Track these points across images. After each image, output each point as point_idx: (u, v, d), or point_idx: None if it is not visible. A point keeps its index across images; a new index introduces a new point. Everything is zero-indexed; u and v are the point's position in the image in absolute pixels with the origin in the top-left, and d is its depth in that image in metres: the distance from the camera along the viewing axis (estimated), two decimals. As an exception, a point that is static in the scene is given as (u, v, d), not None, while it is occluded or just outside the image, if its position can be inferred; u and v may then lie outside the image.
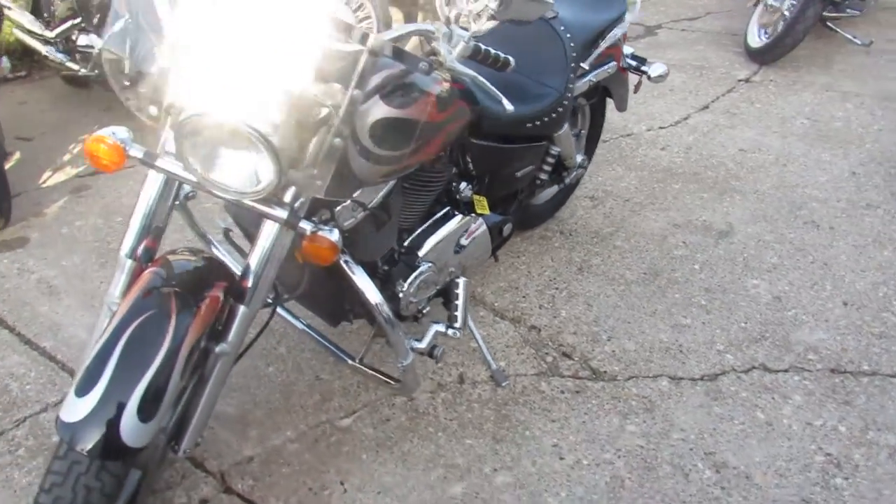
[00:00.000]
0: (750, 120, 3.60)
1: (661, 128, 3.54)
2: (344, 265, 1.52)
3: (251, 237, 1.63)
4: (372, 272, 1.73)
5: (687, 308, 2.30)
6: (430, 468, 1.78)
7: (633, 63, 2.52)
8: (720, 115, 3.66)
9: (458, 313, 1.65)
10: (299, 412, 1.94)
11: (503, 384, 2.00)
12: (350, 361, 1.79)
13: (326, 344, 1.85)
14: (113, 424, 1.17)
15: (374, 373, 1.77)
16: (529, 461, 1.79)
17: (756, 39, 4.25)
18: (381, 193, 1.68)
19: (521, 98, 1.94)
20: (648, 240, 2.65)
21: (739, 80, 4.09)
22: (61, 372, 2.08)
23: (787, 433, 1.85)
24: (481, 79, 1.49)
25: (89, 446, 1.16)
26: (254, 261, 1.38)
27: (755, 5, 4.39)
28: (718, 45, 4.60)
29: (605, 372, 2.06)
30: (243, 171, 1.25)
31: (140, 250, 1.41)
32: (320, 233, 1.33)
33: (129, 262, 1.41)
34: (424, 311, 1.87)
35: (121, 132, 1.32)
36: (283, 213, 1.32)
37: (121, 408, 1.17)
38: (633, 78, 2.54)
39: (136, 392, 1.18)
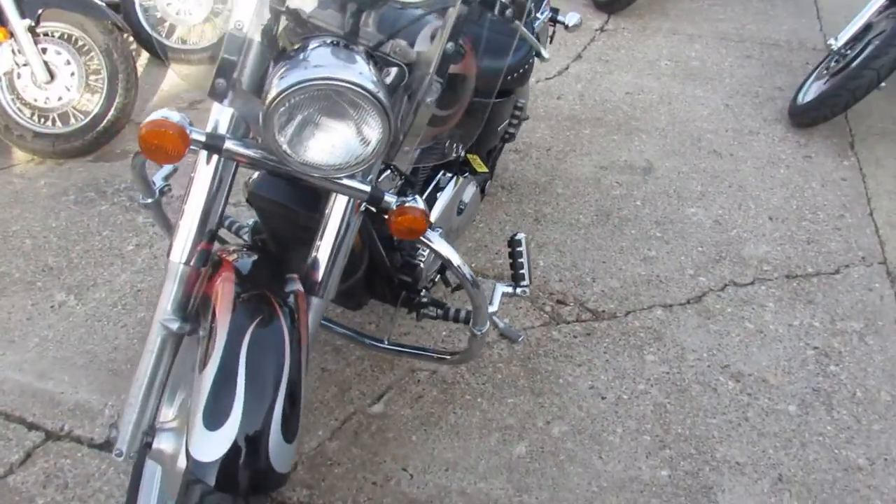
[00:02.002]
0: (623, 65, 3.84)
1: (547, 79, 3.66)
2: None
3: (280, 234, 1.45)
4: (390, 245, 1.63)
5: (647, 241, 2.44)
6: (485, 434, 1.74)
7: (549, 13, 2.57)
8: (595, 63, 3.86)
9: (525, 270, 1.60)
10: (322, 409, 1.79)
11: (518, 340, 1.99)
12: (382, 345, 1.69)
13: (347, 332, 1.72)
14: (260, 453, 1.00)
15: (421, 352, 1.68)
16: (575, 407, 1.82)
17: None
18: (411, 159, 1.58)
19: (504, 50, 1.91)
20: (585, 184, 2.76)
21: (596, 30, 4.34)
22: (10, 424, 1.73)
23: (777, 336, 2.05)
24: (523, 29, 1.44)
25: (241, 483, 0.98)
26: (324, 248, 1.25)
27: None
28: (567, 1, 4.83)
29: (604, 311, 2.13)
30: (337, 145, 1.10)
31: (195, 254, 1.19)
32: (408, 203, 1.22)
33: (181, 269, 1.18)
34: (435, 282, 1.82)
35: (175, 114, 1.10)
36: (366, 188, 1.19)
37: (265, 433, 1.01)
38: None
39: (276, 412, 1.02)
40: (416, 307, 1.69)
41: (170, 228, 1.71)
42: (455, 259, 1.41)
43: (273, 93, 1.01)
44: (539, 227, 2.50)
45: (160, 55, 3.49)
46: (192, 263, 1.18)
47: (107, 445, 1.69)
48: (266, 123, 1.03)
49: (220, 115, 1.17)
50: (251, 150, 1.14)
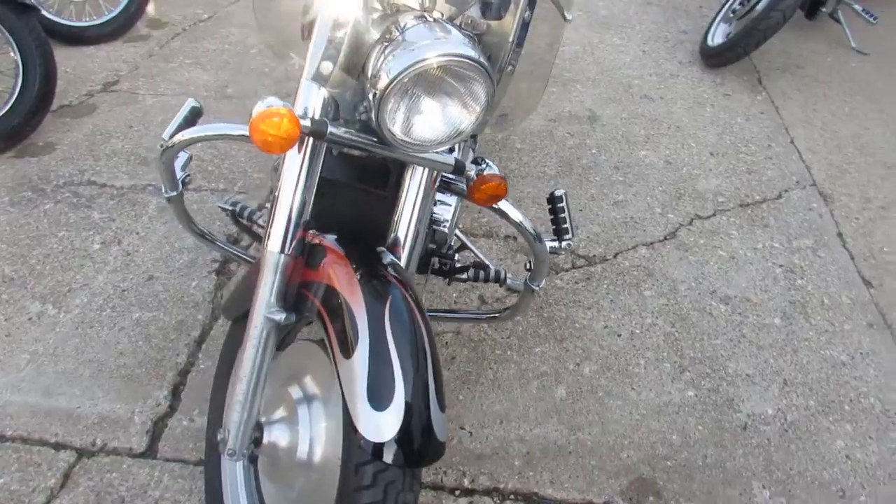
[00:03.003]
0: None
1: (471, 36, 3.71)
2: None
3: (348, 214, 1.44)
4: None
5: (612, 186, 2.59)
6: (524, 384, 1.83)
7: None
8: (512, 18, 3.95)
9: (567, 224, 1.67)
10: (360, 382, 1.80)
11: (519, 289, 2.08)
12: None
13: None
14: (427, 426, 1.03)
15: (467, 315, 1.73)
16: (597, 346, 1.94)
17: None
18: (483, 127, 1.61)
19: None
20: (540, 137, 2.86)
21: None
22: (32, 447, 1.61)
23: (747, 260, 2.28)
24: None
25: (416, 456, 1.01)
26: (404, 221, 1.27)
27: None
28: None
29: (594, 256, 2.27)
30: (439, 119, 1.12)
31: (293, 243, 1.17)
32: (487, 171, 1.27)
33: (282, 259, 1.16)
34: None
35: (278, 100, 1.06)
36: (450, 160, 1.22)
37: (427, 406, 1.03)
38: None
39: (430, 383, 1.05)
40: (451, 272, 1.73)
41: (190, 222, 1.63)
42: (525, 221, 1.46)
43: (387, 77, 1.00)
44: (511, 183, 2.57)
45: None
46: (290, 252, 1.16)
47: (150, 452, 1.62)
48: (381, 107, 1.03)
49: (312, 98, 1.13)
50: (352, 133, 1.12)
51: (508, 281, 1.74)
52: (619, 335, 1.98)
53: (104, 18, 3.42)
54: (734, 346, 1.97)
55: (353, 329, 1.05)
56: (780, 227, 2.42)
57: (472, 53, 1.03)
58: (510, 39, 1.20)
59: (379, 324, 1.06)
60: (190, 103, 1.48)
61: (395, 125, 1.07)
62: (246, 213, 1.67)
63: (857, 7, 3.54)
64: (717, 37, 3.48)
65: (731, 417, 1.77)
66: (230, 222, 1.73)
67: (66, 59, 3.20)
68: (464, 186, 1.31)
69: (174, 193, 1.54)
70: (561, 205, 1.69)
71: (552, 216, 1.69)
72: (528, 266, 1.59)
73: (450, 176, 1.31)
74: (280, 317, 1.16)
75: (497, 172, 1.26)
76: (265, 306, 1.16)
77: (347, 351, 1.05)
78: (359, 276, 1.12)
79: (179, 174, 1.55)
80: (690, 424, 1.74)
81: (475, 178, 1.24)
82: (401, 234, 1.28)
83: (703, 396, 1.82)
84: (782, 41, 3.64)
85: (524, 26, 1.17)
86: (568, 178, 2.62)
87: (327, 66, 1.07)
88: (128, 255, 2.17)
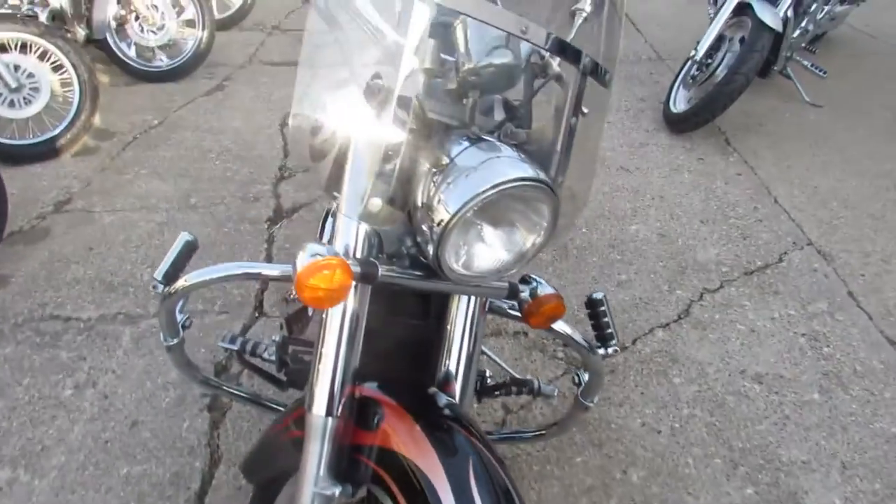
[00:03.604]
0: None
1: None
2: None
3: (391, 351, 1.28)
4: None
5: (612, 266, 2.50)
6: (573, 502, 1.66)
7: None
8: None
9: (612, 329, 1.54)
10: None
11: (555, 395, 1.93)
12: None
13: None
14: None
15: (515, 434, 1.58)
16: (640, 448, 1.80)
17: None
18: None
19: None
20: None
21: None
22: None
23: (768, 332, 2.19)
24: None
25: None
26: (454, 354, 1.14)
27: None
28: None
29: (612, 344, 2.14)
30: (500, 246, 1.00)
31: (342, 401, 1.00)
32: (542, 292, 1.15)
33: (329, 423, 0.98)
34: None
35: (322, 247, 0.91)
36: (505, 284, 1.10)
37: None
38: None
39: None
40: (484, 392, 1.57)
41: (194, 371, 1.44)
42: (576, 334, 1.33)
43: (447, 211, 0.88)
44: (508, 272, 2.46)
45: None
46: (339, 414, 0.99)
47: None
48: (441, 244, 0.90)
49: (353, 236, 0.99)
50: (403, 272, 0.99)
51: (545, 390, 1.60)
52: (660, 432, 1.84)
53: (50, 134, 3.23)
54: (780, 431, 1.85)
55: (435, 498, 0.89)
56: (790, 293, 2.36)
57: (532, 173, 0.91)
58: (557, 149, 1.09)
59: (466, 494, 0.89)
60: (183, 238, 1.32)
61: (457, 260, 0.94)
62: (253, 349, 1.49)
63: (806, 63, 3.65)
64: (679, 102, 3.52)
65: (799, 514, 1.64)
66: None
67: (11, 179, 2.98)
68: (515, 310, 1.19)
69: (175, 342, 1.36)
70: (602, 308, 1.56)
71: (593, 321, 1.56)
72: (575, 380, 1.46)
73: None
74: (334, 491, 0.98)
75: (552, 291, 1.15)
76: (314, 481, 0.98)
77: None
78: (425, 433, 0.96)
79: (179, 317, 1.37)
80: (759, 528, 1.60)
81: (530, 299, 1.12)
82: (452, 369, 1.13)
83: (763, 493, 1.68)
84: (740, 101, 3.71)
85: (571, 133, 1.07)
86: (565, 261, 2.52)
87: (376, 203, 0.93)
88: (105, 398, 1.93)
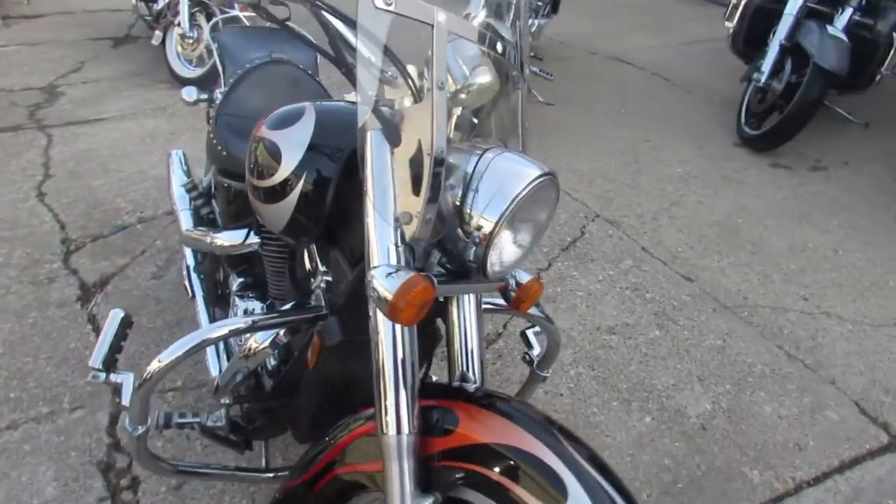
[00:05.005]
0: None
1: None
2: None
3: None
4: None
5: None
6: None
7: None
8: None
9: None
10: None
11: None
12: None
13: None
14: None
15: None
16: (551, 410, 2.01)
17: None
18: None
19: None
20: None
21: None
22: None
23: (601, 291, 2.58)
24: None
25: None
26: (469, 354, 1.24)
27: None
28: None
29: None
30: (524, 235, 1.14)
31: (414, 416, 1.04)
32: (524, 279, 1.31)
33: (407, 440, 1.01)
34: None
35: (403, 267, 0.96)
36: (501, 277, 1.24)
37: None
38: None
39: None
40: None
41: (156, 461, 1.29)
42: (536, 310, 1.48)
43: (489, 221, 0.99)
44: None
45: None
46: (415, 430, 1.03)
47: None
48: (489, 247, 1.01)
49: (394, 252, 1.03)
50: (441, 278, 1.06)
51: None
52: (562, 394, 2.08)
53: None
54: (646, 366, 2.22)
55: (553, 477, 0.97)
56: (602, 257, 2.80)
57: (541, 168, 1.06)
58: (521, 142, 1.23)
59: (573, 460, 0.99)
60: (117, 316, 1.23)
61: (500, 261, 1.06)
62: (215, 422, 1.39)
63: (535, 69, 4.26)
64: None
65: (688, 423, 1.99)
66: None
67: None
68: (502, 301, 1.30)
69: (142, 429, 1.22)
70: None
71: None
72: (527, 358, 1.60)
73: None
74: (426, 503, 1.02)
75: (529, 276, 1.28)
76: (404, 500, 1.00)
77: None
78: (504, 417, 1.04)
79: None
80: (666, 445, 1.92)
81: (517, 288, 1.25)
82: (468, 365, 1.21)
83: (658, 417, 2.02)
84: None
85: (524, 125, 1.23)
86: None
87: (430, 221, 1.00)
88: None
